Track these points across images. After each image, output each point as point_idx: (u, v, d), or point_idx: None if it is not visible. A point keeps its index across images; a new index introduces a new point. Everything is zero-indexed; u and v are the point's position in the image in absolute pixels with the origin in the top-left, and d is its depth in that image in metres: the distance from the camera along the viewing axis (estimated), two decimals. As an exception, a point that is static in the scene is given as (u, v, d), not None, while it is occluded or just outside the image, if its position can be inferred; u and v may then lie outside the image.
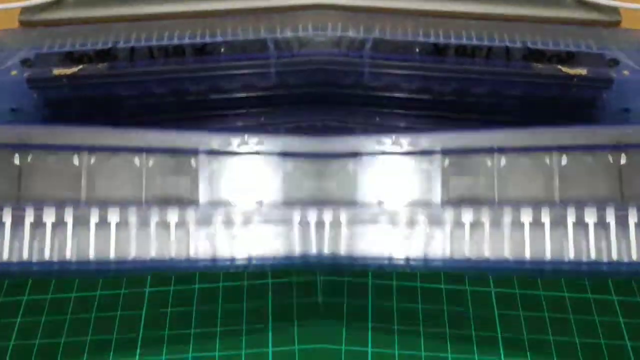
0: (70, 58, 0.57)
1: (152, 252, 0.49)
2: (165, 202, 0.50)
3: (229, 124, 0.60)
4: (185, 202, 0.50)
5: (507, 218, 0.49)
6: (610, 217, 0.48)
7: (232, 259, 0.50)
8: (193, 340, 0.54)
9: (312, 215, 0.50)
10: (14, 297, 0.57)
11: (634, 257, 0.48)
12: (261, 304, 0.56)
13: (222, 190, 0.50)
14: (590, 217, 0.48)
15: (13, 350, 0.54)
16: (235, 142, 0.51)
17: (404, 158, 0.51)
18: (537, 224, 0.49)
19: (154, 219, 0.49)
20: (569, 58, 0.56)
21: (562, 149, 0.49)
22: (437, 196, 0.50)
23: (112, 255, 0.49)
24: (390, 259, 0.50)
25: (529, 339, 0.54)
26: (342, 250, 0.49)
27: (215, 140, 0.51)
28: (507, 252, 0.49)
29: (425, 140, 0.50)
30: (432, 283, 0.57)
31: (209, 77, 0.58)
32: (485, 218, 0.49)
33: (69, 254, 0.48)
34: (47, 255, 0.48)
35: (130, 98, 0.58)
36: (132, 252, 0.49)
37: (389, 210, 0.50)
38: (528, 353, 0.53)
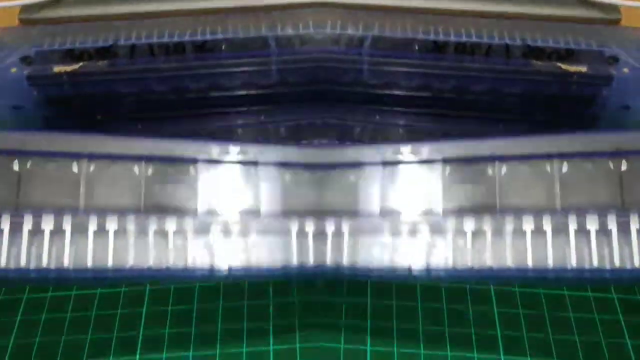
0: (71, 55, 0.56)
1: (150, 260, 0.47)
2: (163, 210, 0.48)
3: (229, 122, 0.59)
4: (184, 210, 0.48)
5: (508, 226, 0.47)
6: (612, 224, 0.47)
7: (230, 269, 0.48)
8: (194, 339, 0.53)
9: (311, 226, 0.48)
10: (14, 295, 0.56)
11: (637, 263, 0.46)
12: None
13: (221, 200, 0.49)
14: (592, 224, 0.47)
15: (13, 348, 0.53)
16: (234, 151, 0.49)
17: (405, 167, 0.49)
18: (539, 231, 0.47)
19: (152, 227, 0.48)
20: (569, 55, 0.55)
21: (562, 156, 0.48)
22: (438, 205, 0.48)
23: (109, 263, 0.47)
24: (393, 269, 0.48)
25: (528, 337, 0.52)
26: (344, 261, 0.48)
27: (214, 149, 0.49)
28: (509, 260, 0.47)
29: (426, 149, 0.49)
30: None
31: (210, 75, 0.57)
32: (487, 226, 0.47)
33: (66, 261, 0.47)
34: (44, 262, 0.47)
35: (131, 95, 0.57)
36: (130, 260, 0.47)
37: (391, 220, 0.48)
38: (527, 351, 0.52)
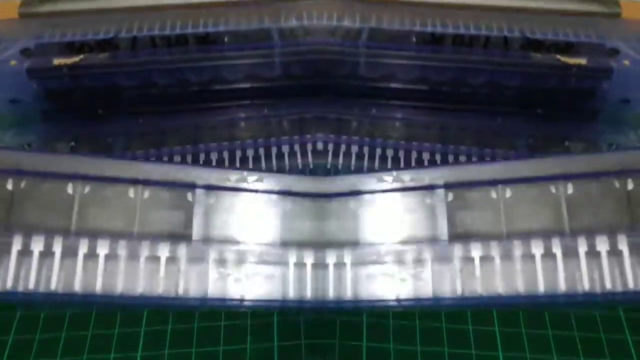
0: (71, 48, 0.53)
1: (140, 288, 0.43)
2: (157, 236, 0.44)
3: (231, 116, 0.56)
4: (178, 237, 0.44)
5: (517, 251, 0.43)
6: (623, 245, 0.42)
7: (223, 299, 0.44)
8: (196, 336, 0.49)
9: (310, 257, 0.44)
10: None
11: (651, 283, 0.42)
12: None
13: (217, 227, 0.45)
14: (602, 246, 0.42)
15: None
16: (233, 178, 0.45)
17: (406, 195, 0.45)
18: (548, 255, 0.43)
19: (144, 253, 0.44)
20: (568, 48, 0.51)
21: (566, 177, 0.44)
22: (443, 232, 0.44)
23: (98, 288, 0.43)
24: (398, 300, 0.44)
25: (527, 334, 0.48)
26: (348, 293, 0.44)
27: (213, 175, 0.45)
28: (519, 286, 0.43)
29: (427, 176, 0.45)
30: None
31: (212, 67, 0.54)
32: (495, 252, 0.43)
33: (54, 285, 0.43)
34: (32, 285, 0.43)
35: (132, 89, 0.54)
36: (120, 286, 0.43)
37: (394, 250, 0.44)
38: (527, 347, 0.47)
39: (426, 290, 0.43)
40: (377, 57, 0.52)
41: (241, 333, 0.48)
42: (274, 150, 0.55)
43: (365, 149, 0.55)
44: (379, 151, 0.55)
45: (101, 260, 0.43)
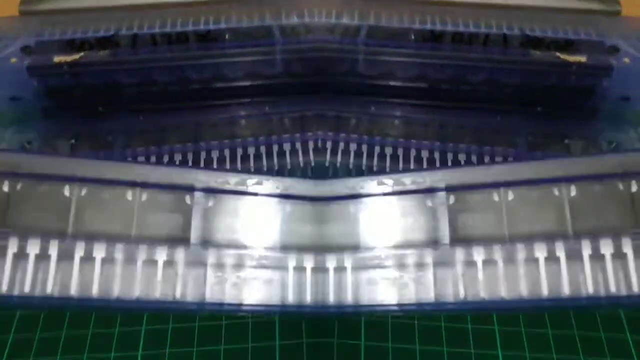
0: (72, 45, 0.51)
1: (137, 291, 0.41)
2: (154, 239, 0.42)
3: (232, 113, 0.55)
4: (176, 240, 0.42)
5: (520, 255, 0.41)
6: (627, 247, 0.40)
7: (221, 304, 0.42)
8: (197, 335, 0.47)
9: (310, 261, 0.42)
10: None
11: (657, 286, 0.40)
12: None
13: (216, 231, 0.43)
14: (607, 249, 0.41)
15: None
16: (232, 181, 0.43)
17: (407, 198, 0.43)
18: (552, 258, 0.41)
19: (142, 256, 0.42)
20: (568, 45, 0.50)
21: (569, 179, 0.42)
22: (445, 235, 0.42)
23: (94, 292, 0.41)
24: (400, 305, 0.42)
25: (527, 333, 0.46)
26: (349, 297, 0.42)
27: (212, 178, 0.43)
28: (523, 290, 0.41)
29: (428, 178, 0.43)
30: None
31: (213, 65, 0.52)
32: (498, 256, 0.41)
33: (50, 288, 0.41)
34: (27, 288, 0.41)
35: (132, 86, 0.52)
36: (116, 290, 0.41)
37: (395, 254, 0.42)
38: (526, 346, 0.46)
39: (428, 294, 0.42)
40: (376, 54, 0.51)
41: (242, 332, 0.46)
42: (275, 148, 0.54)
43: (364, 147, 0.53)
44: (377, 149, 0.53)
45: (98, 263, 0.41)
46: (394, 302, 0.42)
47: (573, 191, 0.42)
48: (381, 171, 0.52)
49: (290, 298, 0.42)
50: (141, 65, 0.51)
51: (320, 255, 0.42)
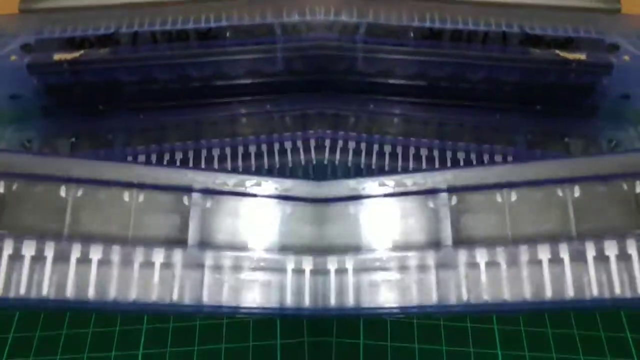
0: (72, 43, 0.49)
1: (133, 294, 0.39)
2: (151, 241, 0.40)
3: (233, 111, 0.53)
4: (173, 242, 0.40)
5: (523, 256, 0.39)
6: (632, 249, 0.38)
7: (219, 307, 0.40)
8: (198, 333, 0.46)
9: (310, 263, 0.40)
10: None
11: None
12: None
13: (214, 232, 0.41)
14: (611, 250, 0.39)
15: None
16: (231, 182, 0.41)
17: (408, 199, 0.41)
18: (555, 260, 0.39)
19: (138, 258, 0.40)
20: (568, 43, 0.48)
21: (573, 180, 0.40)
22: (447, 237, 0.40)
23: (91, 295, 0.39)
24: (402, 307, 0.40)
25: (526, 332, 0.45)
26: (350, 300, 0.40)
27: (210, 179, 0.41)
28: (526, 293, 0.39)
29: (430, 179, 0.41)
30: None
31: (214, 63, 0.51)
32: (501, 258, 0.40)
33: (46, 291, 0.39)
34: (23, 291, 0.39)
35: (133, 84, 0.51)
36: (113, 292, 0.39)
37: (397, 256, 0.41)
38: (525, 346, 0.45)
39: (431, 297, 0.40)
40: (375, 52, 0.49)
41: (244, 331, 0.45)
42: (276, 146, 0.52)
43: (363, 145, 0.52)
44: (376, 147, 0.51)
45: (94, 265, 0.39)
46: (396, 304, 0.40)
47: (577, 192, 0.40)
48: (380, 169, 0.51)
49: (289, 301, 0.40)
50: (141, 63, 0.50)
51: (320, 257, 0.40)
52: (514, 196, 0.40)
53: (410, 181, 0.41)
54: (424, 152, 0.51)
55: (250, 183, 0.41)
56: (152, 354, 0.44)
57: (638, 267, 0.38)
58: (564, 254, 0.39)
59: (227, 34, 0.50)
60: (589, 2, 0.53)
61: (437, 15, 0.51)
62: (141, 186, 0.41)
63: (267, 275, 0.40)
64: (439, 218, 0.41)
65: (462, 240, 0.40)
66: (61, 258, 0.39)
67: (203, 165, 0.51)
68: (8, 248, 0.39)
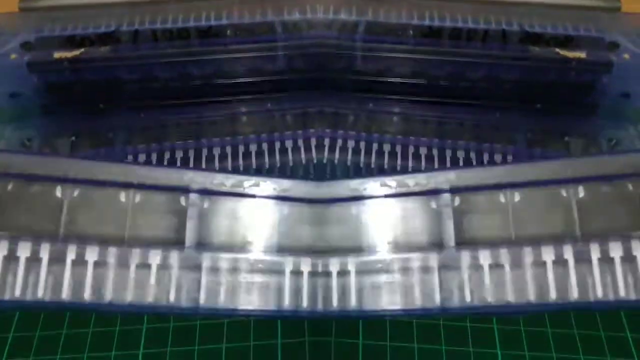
0: (72, 41, 0.48)
1: (130, 296, 0.38)
2: (148, 242, 0.38)
3: (234, 110, 0.51)
4: (170, 243, 0.38)
5: (527, 258, 0.38)
6: (637, 250, 0.37)
7: (216, 309, 0.38)
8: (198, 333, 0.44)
9: (310, 265, 0.39)
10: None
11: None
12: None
13: (211, 233, 0.39)
14: (616, 252, 0.37)
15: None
16: (229, 183, 0.40)
17: (410, 199, 0.40)
18: (559, 262, 0.37)
19: (135, 260, 0.38)
20: (568, 41, 0.47)
21: (577, 180, 0.38)
22: (450, 238, 0.38)
23: (87, 296, 0.37)
24: (405, 310, 0.38)
25: (526, 332, 0.44)
26: (352, 302, 0.38)
27: (208, 179, 0.40)
28: (530, 294, 0.37)
29: (432, 180, 0.40)
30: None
31: (214, 61, 0.49)
32: (505, 259, 0.38)
33: (41, 292, 0.37)
34: (18, 292, 0.37)
35: (133, 82, 0.50)
36: (109, 295, 0.37)
37: (399, 257, 0.39)
38: (525, 345, 0.43)
39: (433, 299, 0.38)
40: (374, 50, 0.48)
41: (245, 330, 0.43)
42: (277, 145, 0.51)
43: (362, 144, 0.50)
44: (375, 146, 0.50)
45: (90, 267, 0.37)
46: (399, 307, 0.38)
47: (581, 192, 0.38)
48: (380, 168, 0.49)
49: (288, 303, 0.38)
50: (142, 61, 0.49)
51: (321, 259, 0.39)
52: (517, 197, 0.39)
53: (412, 181, 0.40)
54: (423, 151, 0.49)
55: (248, 183, 0.40)
56: (152, 354, 0.43)
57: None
58: (568, 255, 0.37)
59: (228, 32, 0.49)
60: (589, 0, 0.52)
61: (436, 13, 0.49)
62: (138, 186, 0.39)
63: (265, 277, 0.39)
64: (442, 219, 0.39)
65: (465, 242, 0.39)
66: (57, 259, 0.37)
67: (204, 164, 0.50)
68: (3, 249, 0.37)
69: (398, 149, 0.50)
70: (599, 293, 0.37)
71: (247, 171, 0.50)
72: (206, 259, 0.38)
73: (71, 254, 0.37)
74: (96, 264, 0.37)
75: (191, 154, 0.50)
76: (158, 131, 0.51)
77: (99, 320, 0.45)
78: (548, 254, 0.37)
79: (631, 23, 0.49)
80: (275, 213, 0.40)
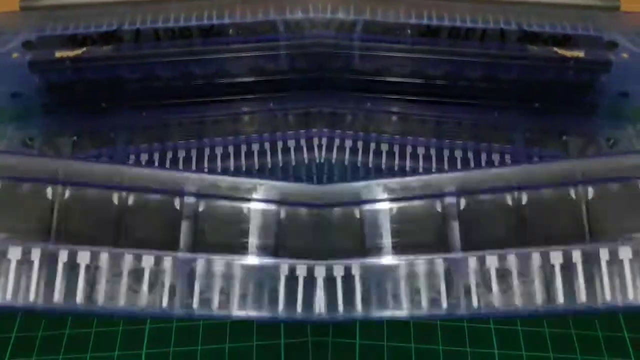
0: (74, 40, 0.46)
1: (122, 300, 0.35)
2: (141, 245, 0.36)
3: (235, 109, 0.49)
4: (163, 247, 0.36)
5: (535, 261, 0.35)
6: None
7: (210, 314, 0.36)
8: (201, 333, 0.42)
9: (309, 270, 0.36)
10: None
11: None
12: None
13: (205, 237, 0.36)
14: (625, 254, 0.34)
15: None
16: (224, 186, 0.37)
17: (415, 203, 0.37)
18: (568, 265, 0.35)
19: (127, 264, 0.35)
20: (566, 40, 0.45)
21: (587, 181, 0.36)
22: (456, 242, 0.36)
23: (79, 300, 0.35)
24: (412, 316, 0.36)
25: (523, 332, 0.42)
26: (358, 307, 0.36)
27: (203, 182, 0.37)
28: (538, 299, 0.35)
29: (437, 182, 0.37)
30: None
31: (217, 60, 0.47)
32: (512, 262, 0.35)
33: (32, 296, 0.35)
34: (9, 296, 0.35)
35: (135, 81, 0.48)
36: (101, 299, 0.35)
37: (404, 263, 0.36)
38: (522, 345, 0.41)
39: (440, 304, 0.36)
40: (372, 50, 0.46)
41: (247, 330, 0.41)
42: (279, 144, 0.49)
43: (360, 144, 0.48)
44: (373, 145, 0.48)
45: (82, 270, 0.35)
46: (405, 313, 0.36)
47: (590, 194, 0.36)
48: (377, 168, 0.47)
49: (285, 308, 0.36)
50: (144, 60, 0.47)
51: (320, 265, 0.36)
52: (524, 199, 0.36)
53: (416, 184, 0.37)
54: (421, 151, 0.47)
55: (245, 186, 0.37)
56: (155, 354, 0.41)
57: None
58: (577, 258, 0.35)
59: (230, 32, 0.47)
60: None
61: (434, 12, 0.47)
62: (131, 188, 0.36)
63: (262, 282, 0.36)
64: (448, 222, 0.36)
65: (472, 245, 0.36)
66: (48, 263, 0.35)
67: (206, 164, 0.48)
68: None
69: (396, 148, 0.48)
70: (608, 296, 0.34)
71: (249, 171, 0.48)
72: (200, 264, 0.36)
73: (63, 258, 0.35)
74: (88, 268, 0.35)
75: (193, 153, 0.48)
76: (160, 131, 0.49)
77: (101, 320, 0.42)
78: (556, 258, 0.35)
79: (630, 22, 0.47)
80: (274, 216, 0.37)
